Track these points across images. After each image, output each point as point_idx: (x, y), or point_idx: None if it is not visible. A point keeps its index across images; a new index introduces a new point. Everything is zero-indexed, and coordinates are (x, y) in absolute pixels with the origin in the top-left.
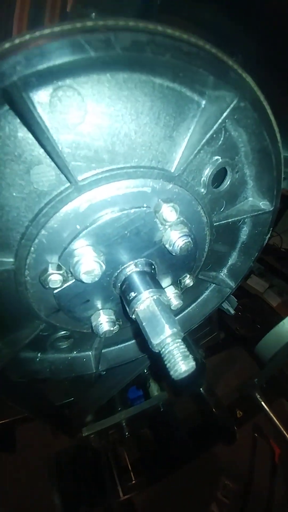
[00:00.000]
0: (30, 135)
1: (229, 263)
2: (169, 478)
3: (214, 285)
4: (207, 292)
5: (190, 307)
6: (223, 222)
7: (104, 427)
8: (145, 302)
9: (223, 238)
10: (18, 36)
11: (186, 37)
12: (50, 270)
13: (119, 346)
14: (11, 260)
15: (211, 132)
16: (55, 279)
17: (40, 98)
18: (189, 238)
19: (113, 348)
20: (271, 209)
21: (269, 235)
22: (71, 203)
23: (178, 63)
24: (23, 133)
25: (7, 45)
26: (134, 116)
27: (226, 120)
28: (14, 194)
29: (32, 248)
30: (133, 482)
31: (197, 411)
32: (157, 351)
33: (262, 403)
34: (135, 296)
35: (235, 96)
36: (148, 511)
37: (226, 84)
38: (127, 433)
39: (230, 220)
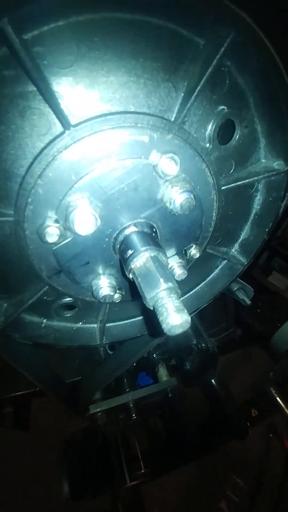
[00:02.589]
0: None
1: (241, 238)
2: (178, 471)
3: (224, 262)
4: (217, 270)
5: (199, 286)
6: (232, 185)
7: (111, 406)
8: (141, 259)
9: (234, 207)
10: None
11: None
12: (47, 223)
13: (124, 322)
14: (11, 212)
15: (210, 69)
16: (52, 232)
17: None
18: (191, 195)
19: (118, 323)
20: (286, 168)
21: (285, 202)
22: (65, 152)
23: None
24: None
25: None
26: (132, 56)
27: (228, 62)
28: (13, 139)
29: (29, 199)
30: (142, 471)
31: (209, 404)
32: (151, 307)
33: (278, 398)
34: (132, 254)
35: (232, 30)
36: (156, 503)
37: (223, 20)
38: (134, 415)
39: (240, 182)
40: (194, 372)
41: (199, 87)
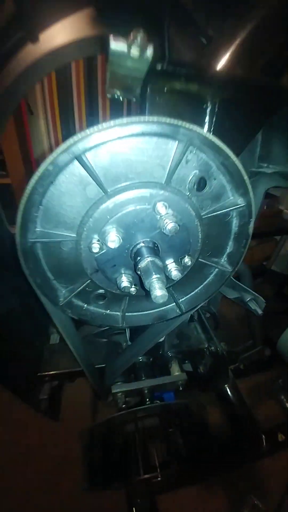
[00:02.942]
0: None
1: (227, 251)
2: (196, 487)
3: (216, 270)
4: (211, 276)
5: (198, 288)
6: (211, 215)
7: (129, 388)
8: (144, 262)
9: (217, 229)
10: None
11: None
12: (93, 241)
13: (139, 313)
14: (74, 235)
15: (183, 159)
16: (95, 246)
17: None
18: (175, 223)
19: (134, 313)
20: (245, 204)
21: (251, 225)
22: (104, 205)
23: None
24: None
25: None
26: (139, 157)
27: (189, 153)
28: (77, 201)
29: (86, 228)
30: (159, 479)
31: (224, 412)
32: (147, 288)
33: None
34: (140, 259)
35: (187, 144)
36: None
37: (182, 136)
38: (147, 400)
39: (216, 213)
40: (206, 375)
41: (179, 167)
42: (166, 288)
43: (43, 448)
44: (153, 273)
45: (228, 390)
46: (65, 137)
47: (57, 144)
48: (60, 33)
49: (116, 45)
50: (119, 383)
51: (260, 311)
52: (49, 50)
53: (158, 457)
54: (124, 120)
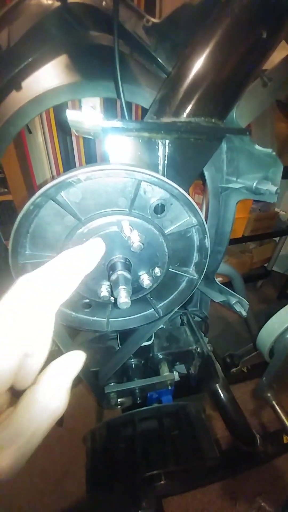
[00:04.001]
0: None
1: (194, 261)
2: (202, 490)
3: (187, 278)
4: (183, 283)
5: (173, 294)
6: (173, 232)
7: (121, 388)
8: (115, 275)
9: (182, 243)
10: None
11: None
12: None
13: (121, 318)
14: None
15: (140, 191)
16: None
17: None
18: (140, 242)
19: (117, 319)
20: (196, 223)
21: (206, 240)
22: (80, 230)
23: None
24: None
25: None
26: (105, 191)
27: (145, 186)
28: (58, 228)
29: (66, 249)
30: (162, 482)
31: (219, 414)
32: (115, 296)
33: (273, 402)
34: (112, 272)
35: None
36: None
37: (135, 175)
38: (138, 398)
39: (178, 230)
40: (197, 376)
41: (137, 197)
42: (144, 296)
43: (48, 454)
44: (120, 284)
45: (219, 390)
46: (62, 151)
47: (55, 160)
48: (40, 80)
49: (71, 116)
50: (112, 384)
51: (244, 313)
52: (32, 96)
53: (159, 461)
54: (87, 167)
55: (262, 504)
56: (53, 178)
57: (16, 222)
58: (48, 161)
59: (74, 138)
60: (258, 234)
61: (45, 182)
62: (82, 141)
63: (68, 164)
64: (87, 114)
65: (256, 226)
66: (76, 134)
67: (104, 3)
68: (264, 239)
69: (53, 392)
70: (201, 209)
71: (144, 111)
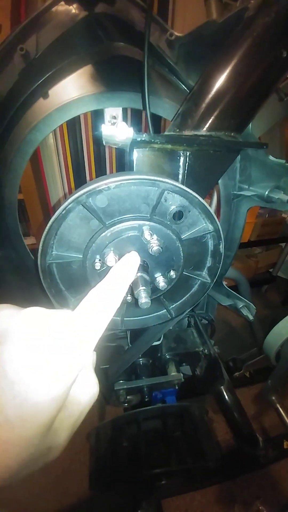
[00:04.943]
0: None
1: (207, 265)
2: (201, 492)
3: (199, 281)
4: (196, 286)
5: (185, 297)
6: (190, 238)
7: (130, 386)
8: (136, 276)
9: (196, 248)
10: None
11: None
12: (96, 261)
13: (135, 318)
14: (80, 256)
15: (162, 199)
16: (97, 265)
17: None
18: (159, 246)
19: (131, 318)
20: (213, 229)
21: (221, 246)
22: (104, 233)
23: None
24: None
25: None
26: (129, 199)
27: (167, 194)
28: (83, 231)
29: (90, 251)
30: (163, 482)
31: (223, 415)
32: (136, 297)
33: (278, 405)
34: None
35: (163, 189)
36: None
37: (159, 184)
38: (146, 396)
39: (194, 236)
40: (203, 377)
41: (159, 204)
42: (157, 297)
43: None
44: (140, 285)
45: (223, 391)
46: (72, 153)
47: (66, 163)
48: (66, 89)
49: (106, 131)
50: (121, 381)
51: (251, 317)
52: (58, 104)
53: (161, 461)
54: (117, 176)
55: (260, 507)
56: (62, 181)
57: (48, 225)
58: (59, 162)
59: (85, 146)
60: (265, 239)
61: (55, 182)
62: (92, 148)
63: (78, 169)
64: (121, 129)
65: (262, 231)
66: (105, 144)
67: (129, 15)
68: (270, 244)
69: (85, 382)
70: None
71: (155, 119)
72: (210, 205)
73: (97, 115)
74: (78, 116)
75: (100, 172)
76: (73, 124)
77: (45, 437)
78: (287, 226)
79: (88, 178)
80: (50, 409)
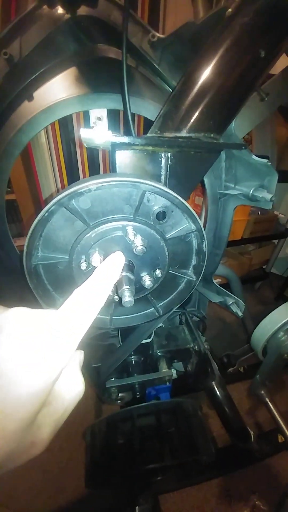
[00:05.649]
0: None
1: (192, 263)
2: (197, 487)
3: (185, 279)
4: (182, 284)
5: (173, 295)
6: (173, 236)
7: (121, 383)
8: (120, 275)
9: (181, 247)
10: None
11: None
12: (81, 261)
13: (124, 316)
14: (66, 257)
15: (144, 200)
16: (83, 265)
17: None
18: (143, 246)
19: (120, 317)
20: (195, 228)
21: (204, 244)
22: (88, 234)
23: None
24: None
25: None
26: (112, 200)
27: (149, 195)
28: (68, 232)
29: (75, 252)
30: (159, 478)
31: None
32: (119, 296)
33: (267, 399)
34: None
35: (144, 190)
36: None
37: (140, 185)
38: (138, 393)
39: (178, 235)
40: (194, 373)
41: (141, 205)
42: (145, 295)
43: (46, 449)
44: (124, 284)
45: (215, 387)
46: (65, 153)
47: (58, 161)
48: (51, 92)
49: (84, 134)
50: (113, 379)
51: (240, 314)
52: (43, 107)
53: (156, 456)
54: (98, 179)
55: (256, 502)
56: (56, 181)
57: (32, 227)
58: (51, 162)
59: (78, 145)
60: (257, 236)
61: (48, 183)
62: (85, 149)
63: (71, 167)
64: (99, 132)
65: (255, 228)
66: (87, 147)
67: (112, 16)
68: (263, 241)
69: (71, 380)
70: (201, 211)
71: (146, 121)
72: (204, 204)
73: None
74: (70, 115)
75: (94, 170)
76: (65, 123)
77: (27, 432)
78: (279, 223)
79: (81, 176)
80: (32, 404)
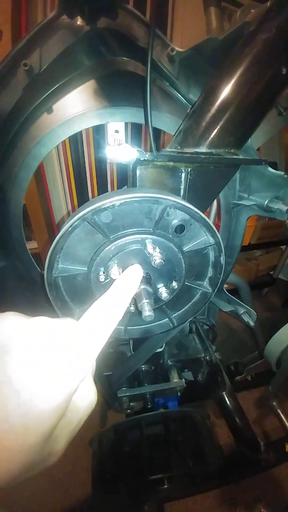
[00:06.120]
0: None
1: (208, 275)
2: (203, 495)
3: (200, 291)
4: (197, 296)
5: (187, 306)
6: (191, 249)
7: (133, 393)
8: (139, 288)
9: (197, 260)
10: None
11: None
12: (100, 273)
13: (138, 327)
14: (85, 269)
15: (164, 214)
16: (102, 277)
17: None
18: (161, 259)
19: (134, 327)
20: (214, 242)
21: (222, 257)
22: (108, 247)
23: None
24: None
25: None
26: (132, 214)
27: (169, 209)
28: (88, 245)
29: (94, 264)
30: (165, 486)
31: (225, 420)
32: (139, 309)
33: (279, 411)
34: None
35: (165, 206)
36: None
37: (161, 200)
38: (149, 403)
39: (195, 248)
40: (204, 383)
41: (162, 219)
42: (160, 307)
43: None
44: (144, 298)
45: (225, 397)
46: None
47: (68, 174)
48: (70, 105)
49: (110, 153)
50: (124, 388)
51: (252, 323)
52: (62, 120)
53: (163, 465)
54: (122, 194)
55: (262, 510)
56: (63, 184)
57: (54, 242)
58: (60, 171)
59: (86, 159)
60: (265, 242)
61: (56, 187)
62: (94, 162)
63: (79, 173)
64: (124, 151)
65: (263, 234)
66: (109, 162)
67: (132, 29)
68: (270, 247)
69: (84, 390)
70: None
71: (156, 131)
72: (209, 214)
73: (99, 129)
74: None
75: (102, 185)
76: (75, 138)
77: (46, 444)
78: (287, 229)
79: (89, 185)
80: (53, 418)
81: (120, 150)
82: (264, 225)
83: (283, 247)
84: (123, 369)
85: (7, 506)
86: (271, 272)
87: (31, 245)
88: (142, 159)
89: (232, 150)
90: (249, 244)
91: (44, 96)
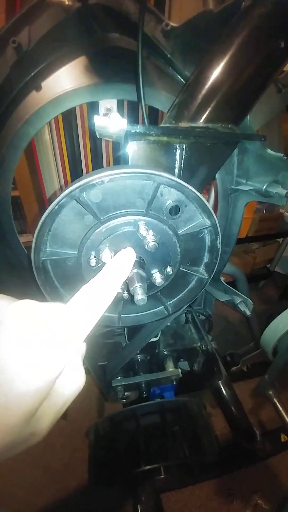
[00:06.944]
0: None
1: (204, 261)
2: (199, 486)
3: (196, 277)
4: (193, 282)
5: (183, 293)
6: (186, 233)
7: (128, 382)
8: (131, 272)
9: (193, 244)
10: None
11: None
12: (91, 257)
13: (132, 315)
14: (75, 252)
15: (157, 193)
16: (93, 261)
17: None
18: (155, 242)
19: (128, 315)
20: (210, 224)
21: (218, 241)
22: (98, 229)
23: None
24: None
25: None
26: (124, 193)
27: (162, 188)
28: (78, 227)
29: (84, 247)
30: (162, 476)
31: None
32: (132, 294)
33: (275, 400)
34: None
35: (159, 183)
36: None
37: (154, 178)
38: (144, 392)
39: (191, 231)
40: (200, 372)
41: (155, 199)
42: (154, 293)
43: (49, 447)
44: (136, 282)
45: (221, 386)
46: (68, 147)
47: (62, 156)
48: (60, 82)
49: (99, 122)
50: (119, 378)
51: (248, 312)
52: (52, 97)
53: (160, 455)
54: (111, 170)
55: (258, 501)
56: (58, 176)
57: (41, 221)
58: (54, 158)
59: (81, 138)
60: (262, 234)
61: (51, 178)
62: (89, 141)
63: (74, 162)
64: (114, 120)
65: (260, 227)
66: (99, 137)
67: (124, 5)
68: (267, 239)
69: (72, 372)
70: None
71: (152, 112)
72: (207, 201)
73: (93, 108)
74: (74, 109)
75: (97, 165)
76: (69, 117)
77: (27, 425)
78: (284, 222)
79: (84, 172)
80: (33, 400)
81: (109, 120)
82: (261, 218)
83: (280, 240)
84: (118, 358)
85: (5, 500)
86: (268, 265)
87: (25, 238)
88: (133, 131)
89: (229, 126)
90: (247, 236)
91: (33, 74)
